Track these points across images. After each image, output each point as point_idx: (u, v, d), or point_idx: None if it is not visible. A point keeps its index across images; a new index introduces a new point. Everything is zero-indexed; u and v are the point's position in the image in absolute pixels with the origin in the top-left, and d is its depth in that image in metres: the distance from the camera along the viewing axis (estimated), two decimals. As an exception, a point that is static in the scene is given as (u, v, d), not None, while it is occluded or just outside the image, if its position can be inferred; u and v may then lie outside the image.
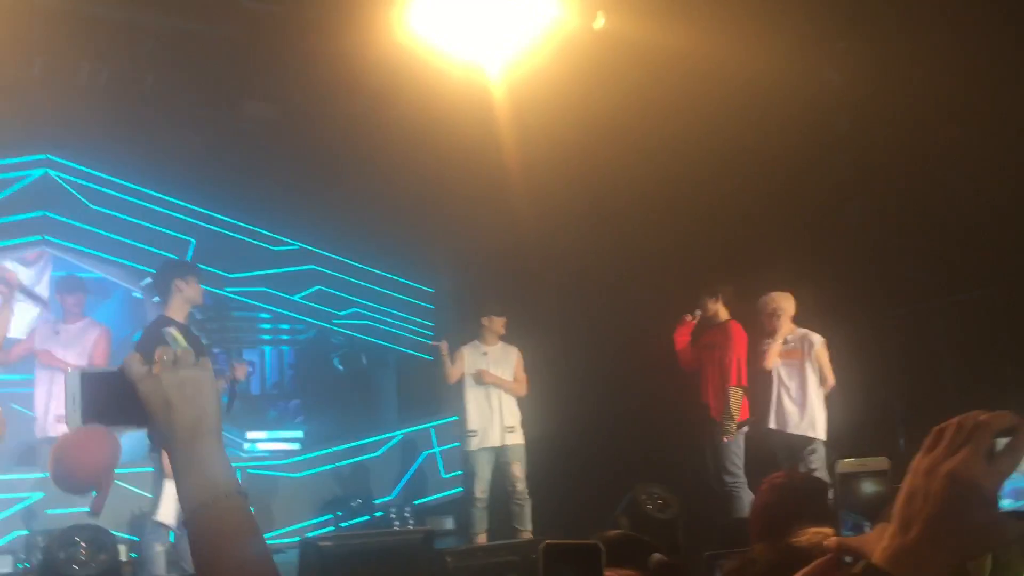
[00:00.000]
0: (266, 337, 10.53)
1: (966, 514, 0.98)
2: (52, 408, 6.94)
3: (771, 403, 6.63)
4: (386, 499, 8.93)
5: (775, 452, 6.62)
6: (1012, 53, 5.73)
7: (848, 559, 1.10)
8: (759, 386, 6.68)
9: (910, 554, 0.99)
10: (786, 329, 6.61)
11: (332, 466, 8.88)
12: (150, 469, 5.70)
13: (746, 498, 6.38)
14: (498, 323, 7.25)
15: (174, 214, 8.65)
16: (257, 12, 6.86)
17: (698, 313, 6.91)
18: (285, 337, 10.55)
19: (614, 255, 8.05)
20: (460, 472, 9.22)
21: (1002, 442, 0.99)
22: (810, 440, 6.46)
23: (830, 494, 2.44)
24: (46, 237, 8.14)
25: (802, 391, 6.57)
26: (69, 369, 1.42)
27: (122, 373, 1.30)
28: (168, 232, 8.57)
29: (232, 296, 9.02)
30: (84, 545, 5.63)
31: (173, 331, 6.03)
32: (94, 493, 4.62)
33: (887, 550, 1.01)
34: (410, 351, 9.78)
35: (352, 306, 9.59)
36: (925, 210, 6.62)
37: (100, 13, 6.80)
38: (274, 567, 1.26)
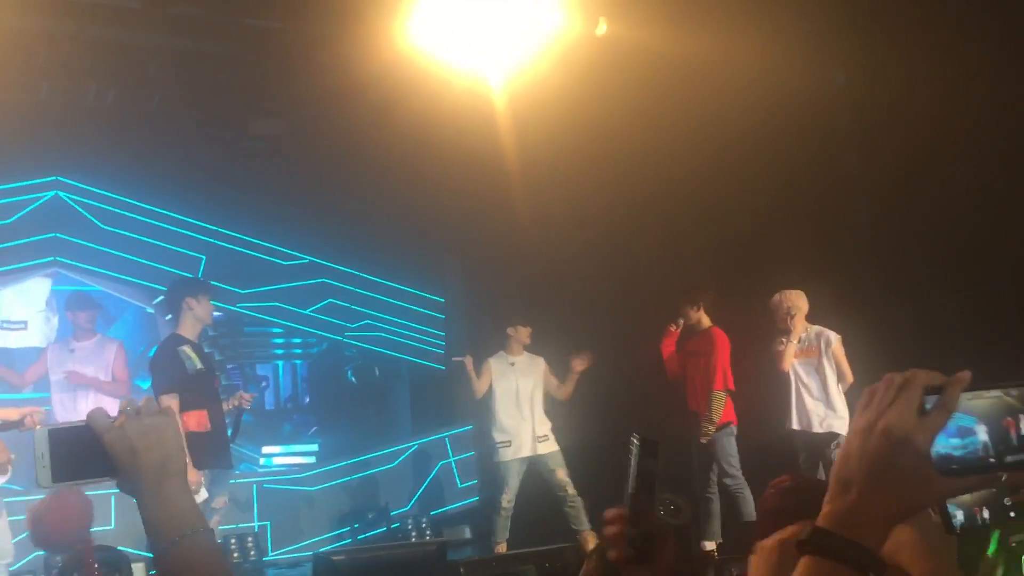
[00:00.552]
0: (279, 352, 10.57)
1: (901, 469, 0.99)
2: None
3: (791, 404, 6.58)
4: (402, 510, 8.93)
5: (796, 453, 6.60)
6: (1018, 48, 5.70)
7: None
8: (777, 387, 6.64)
9: (851, 513, 1.01)
10: (800, 328, 6.57)
11: (347, 479, 8.89)
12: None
13: (749, 498, 6.44)
14: (523, 333, 7.26)
15: (184, 232, 8.70)
16: (260, 29, 6.91)
17: (681, 322, 6.98)
18: (298, 351, 10.58)
19: (621, 261, 8.04)
20: (476, 481, 9.24)
21: (932, 399, 1.01)
22: (835, 436, 6.43)
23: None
24: (58, 258, 8.19)
25: (823, 389, 6.52)
26: (37, 427, 1.47)
27: (87, 426, 1.36)
28: (179, 250, 8.61)
29: (244, 312, 9.05)
30: (99, 565, 5.64)
31: (187, 349, 6.07)
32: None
33: (829, 512, 1.02)
34: (422, 362, 9.79)
35: (364, 318, 9.60)
36: (933, 206, 6.59)
37: (104, 35, 6.86)
38: None
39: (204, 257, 8.73)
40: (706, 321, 6.92)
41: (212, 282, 7.81)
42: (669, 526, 1.87)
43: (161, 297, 7.76)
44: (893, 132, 6.68)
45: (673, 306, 7.07)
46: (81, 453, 1.35)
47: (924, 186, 6.58)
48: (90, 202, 8.33)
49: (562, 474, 7.06)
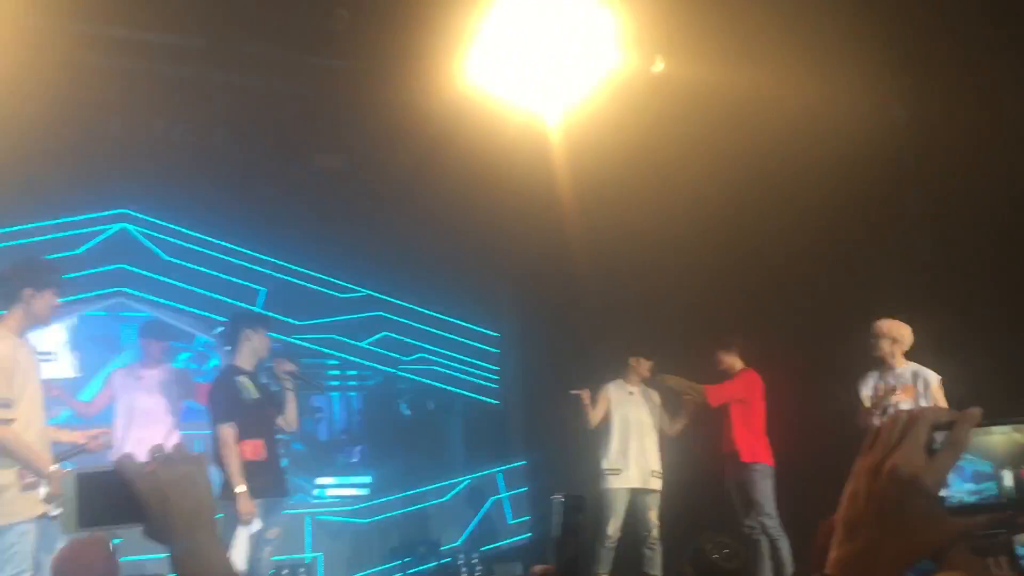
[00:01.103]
0: (334, 383, 10.65)
1: (909, 510, 0.95)
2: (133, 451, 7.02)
3: None
4: (453, 545, 8.90)
5: None
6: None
7: None
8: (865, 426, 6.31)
9: (860, 558, 0.97)
10: (899, 361, 6.16)
11: (399, 512, 8.89)
12: (219, 515, 5.78)
13: (787, 543, 6.49)
14: (644, 365, 7.26)
15: (245, 264, 8.86)
16: (322, 67, 7.07)
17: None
18: (352, 383, 10.65)
19: (676, 295, 7.99)
20: (528, 518, 9.18)
21: (940, 437, 0.96)
22: None
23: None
24: (124, 289, 8.39)
25: None
26: (60, 470, 1.49)
27: (117, 472, 1.34)
28: (239, 281, 8.77)
29: (301, 343, 9.17)
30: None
31: (244, 380, 6.17)
32: None
33: (837, 558, 0.98)
34: (476, 396, 9.79)
35: (418, 352, 9.66)
36: (995, 243, 6.44)
37: (174, 72, 7.07)
38: None
39: (264, 289, 8.87)
40: (739, 364, 6.92)
41: (270, 313, 7.94)
42: (724, 571, 1.88)
43: (221, 328, 7.89)
44: (955, 168, 6.56)
45: (721, 339, 7.05)
46: (110, 499, 1.34)
47: (986, 223, 6.44)
48: (155, 234, 8.54)
49: (654, 515, 7.08)
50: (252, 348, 6.23)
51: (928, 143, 6.72)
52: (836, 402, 6.60)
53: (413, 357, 9.63)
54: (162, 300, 8.53)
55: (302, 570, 7.94)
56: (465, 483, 9.32)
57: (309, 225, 8.98)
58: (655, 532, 7.02)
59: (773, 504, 6.63)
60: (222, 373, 6.40)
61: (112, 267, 8.31)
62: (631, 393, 7.24)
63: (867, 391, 6.24)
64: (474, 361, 9.90)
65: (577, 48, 6.15)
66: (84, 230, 8.24)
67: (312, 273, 9.22)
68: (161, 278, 8.49)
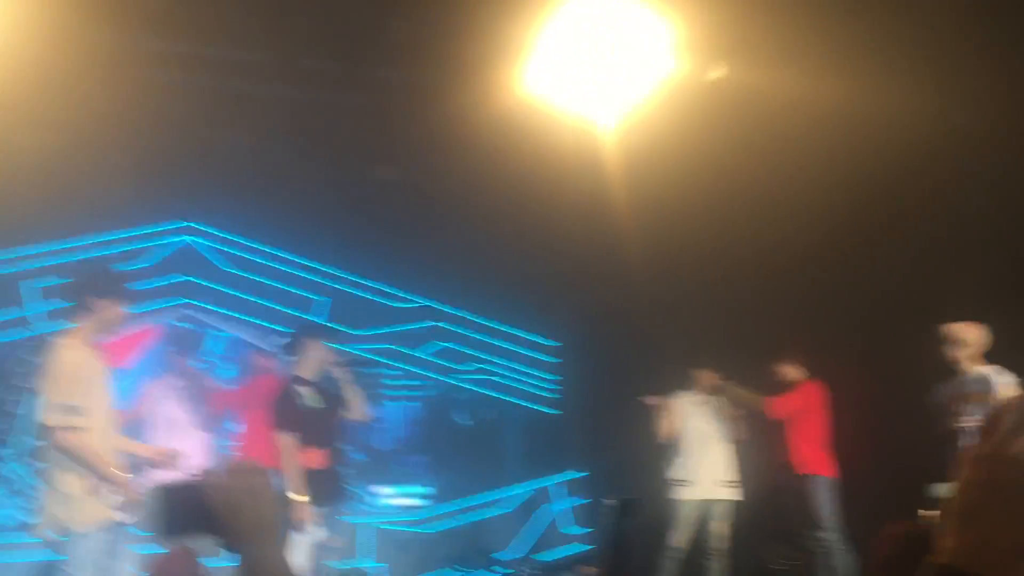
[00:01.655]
0: (394, 393, 10.73)
1: None
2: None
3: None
4: (511, 556, 8.89)
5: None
6: None
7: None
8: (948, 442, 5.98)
9: (980, 547, 0.92)
10: (970, 366, 5.87)
11: (458, 522, 8.92)
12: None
13: (848, 556, 6.38)
14: (709, 376, 7.25)
15: (305, 275, 8.98)
16: (382, 79, 7.15)
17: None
18: (411, 393, 10.72)
19: (734, 305, 7.89)
20: (586, 529, 9.14)
21: None
22: None
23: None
24: (188, 300, 8.56)
25: None
26: (158, 480, 1.59)
27: (196, 485, 1.45)
28: (300, 292, 8.89)
29: (359, 353, 9.25)
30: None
31: (305, 389, 6.25)
32: None
33: (955, 548, 0.94)
34: (534, 406, 9.77)
35: (477, 361, 9.69)
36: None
37: (238, 87, 7.21)
38: None
39: (328, 299, 8.98)
40: (799, 376, 6.86)
41: (333, 324, 8.04)
42: None
43: (285, 339, 8.00)
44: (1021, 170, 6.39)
45: (780, 351, 6.97)
46: (189, 510, 1.44)
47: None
48: (218, 246, 8.71)
49: (724, 526, 7.00)
50: (315, 358, 6.32)
51: (995, 148, 6.56)
52: (900, 411, 6.46)
53: (472, 367, 9.66)
54: (225, 311, 8.69)
55: (364, 578, 8.00)
56: (524, 493, 9.31)
57: (368, 236, 9.07)
58: (723, 544, 6.95)
59: (834, 517, 6.52)
60: (285, 383, 6.49)
61: (176, 278, 8.48)
62: (700, 404, 7.22)
63: (938, 399, 6.00)
64: (532, 371, 9.90)
65: (633, 55, 6.12)
66: (150, 243, 8.43)
67: (370, 283, 9.30)
68: (224, 289, 8.64)
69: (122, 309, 5.31)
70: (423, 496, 9.76)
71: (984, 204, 6.85)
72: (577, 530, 9.24)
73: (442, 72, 6.80)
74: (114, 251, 8.08)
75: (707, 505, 7.05)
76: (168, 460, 5.86)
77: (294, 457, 5.96)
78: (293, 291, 8.87)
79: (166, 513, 1.44)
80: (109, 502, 5.07)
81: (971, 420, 5.68)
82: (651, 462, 7.28)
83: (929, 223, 6.88)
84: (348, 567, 7.93)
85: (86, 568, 4.93)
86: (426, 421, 10.88)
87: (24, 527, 6.70)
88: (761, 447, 7.18)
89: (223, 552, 1.43)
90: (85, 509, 5.01)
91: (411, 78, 7.03)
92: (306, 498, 5.87)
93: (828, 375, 6.98)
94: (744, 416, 7.15)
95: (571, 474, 9.34)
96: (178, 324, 8.73)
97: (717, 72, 6.30)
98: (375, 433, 10.28)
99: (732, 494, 7.08)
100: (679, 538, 6.93)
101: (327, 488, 6.11)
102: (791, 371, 6.91)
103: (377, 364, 9.34)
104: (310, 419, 6.14)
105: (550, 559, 9.01)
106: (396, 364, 9.57)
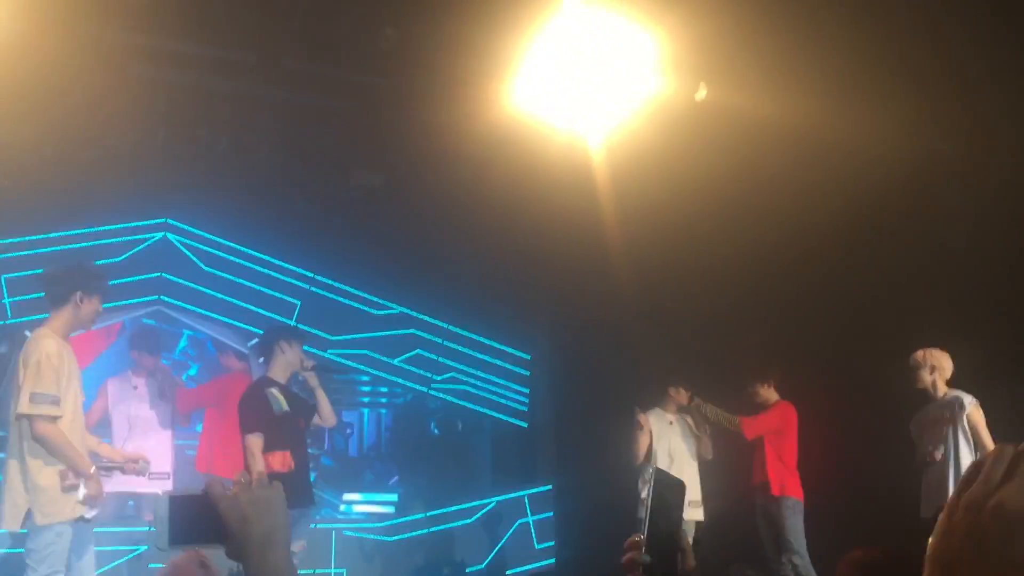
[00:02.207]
0: (365, 399, 10.68)
1: (1013, 550, 0.87)
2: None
3: (922, 487, 5.99)
4: (477, 568, 8.85)
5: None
6: None
7: None
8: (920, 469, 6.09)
9: None
10: (942, 389, 6.05)
11: (425, 531, 8.87)
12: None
13: None
14: (683, 395, 7.25)
15: (282, 277, 8.93)
16: (366, 85, 7.13)
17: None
18: (383, 400, 10.68)
19: (716, 324, 7.93)
20: (553, 543, 9.11)
21: None
22: None
23: None
24: (162, 297, 8.49)
25: (953, 461, 5.77)
26: (160, 492, 1.62)
27: (204, 494, 1.49)
28: (276, 294, 8.84)
29: (333, 358, 9.20)
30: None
31: (275, 392, 6.21)
32: None
33: None
34: (505, 417, 9.75)
35: (450, 371, 9.65)
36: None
37: (220, 87, 7.18)
38: None
39: (299, 302, 8.93)
40: (774, 396, 6.87)
41: (304, 327, 7.99)
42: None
43: (256, 340, 7.95)
44: (998, 202, 6.47)
45: (756, 370, 6.99)
46: (196, 519, 1.47)
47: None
48: (195, 244, 8.64)
49: (687, 544, 6.96)
50: (286, 361, 6.29)
51: (972, 178, 6.64)
52: (869, 435, 6.51)
53: (444, 376, 9.63)
54: (199, 309, 8.62)
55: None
56: (491, 505, 9.27)
57: (346, 240, 9.04)
58: (692, 563, 6.91)
59: (803, 541, 6.55)
60: (254, 384, 6.45)
61: (152, 275, 8.41)
62: (670, 423, 7.21)
63: (914, 426, 6.12)
64: (505, 382, 9.88)
65: (620, 72, 6.15)
66: (127, 238, 8.36)
67: (347, 288, 9.27)
68: (199, 288, 8.58)
69: (100, 305, 5.29)
70: (391, 504, 9.71)
71: (958, 230, 6.93)
72: (543, 544, 9.20)
73: (429, 82, 6.81)
74: (91, 245, 8.01)
75: None
76: (134, 466, 5.83)
77: (258, 458, 5.92)
78: (269, 293, 8.81)
79: (173, 521, 1.46)
80: (78, 496, 5.01)
81: (939, 448, 5.79)
82: (620, 476, 7.27)
83: (904, 248, 6.95)
84: (312, 573, 7.87)
85: (49, 561, 4.87)
86: (397, 428, 10.86)
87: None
88: (730, 467, 7.19)
89: (231, 560, 1.46)
90: (56, 503, 4.95)
91: (397, 87, 7.03)
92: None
93: (801, 396, 7.02)
94: (713, 435, 7.16)
95: (539, 487, 9.31)
96: (150, 322, 8.69)
97: (702, 92, 6.34)
98: (344, 438, 10.24)
99: (695, 515, 7.05)
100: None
101: (293, 491, 6.06)
102: (767, 391, 6.94)
103: (349, 370, 9.29)
104: (277, 421, 6.10)
105: (516, 573, 8.97)
106: (369, 370, 9.53)
